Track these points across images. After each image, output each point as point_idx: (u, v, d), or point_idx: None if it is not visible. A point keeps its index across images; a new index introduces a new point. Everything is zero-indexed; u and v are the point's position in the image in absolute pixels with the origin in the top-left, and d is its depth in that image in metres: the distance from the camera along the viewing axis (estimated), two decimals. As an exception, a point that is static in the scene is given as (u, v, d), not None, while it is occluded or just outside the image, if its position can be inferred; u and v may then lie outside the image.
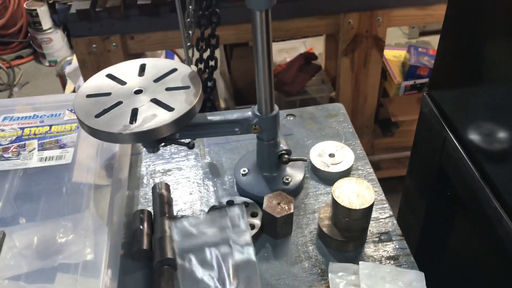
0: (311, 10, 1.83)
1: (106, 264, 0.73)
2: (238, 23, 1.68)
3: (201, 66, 1.36)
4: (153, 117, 0.73)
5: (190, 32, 1.26)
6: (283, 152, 0.87)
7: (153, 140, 0.77)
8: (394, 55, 2.39)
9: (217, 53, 1.51)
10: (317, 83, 2.26)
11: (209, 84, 1.37)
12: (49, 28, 3.08)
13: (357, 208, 0.76)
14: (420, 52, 2.25)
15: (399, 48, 2.49)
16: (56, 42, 3.12)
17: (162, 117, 0.73)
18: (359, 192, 0.78)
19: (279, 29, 1.84)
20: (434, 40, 2.45)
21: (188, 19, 1.25)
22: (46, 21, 3.05)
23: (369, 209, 0.77)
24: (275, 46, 2.45)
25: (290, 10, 1.79)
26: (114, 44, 1.70)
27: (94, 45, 1.70)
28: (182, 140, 0.82)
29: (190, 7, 1.26)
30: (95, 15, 1.65)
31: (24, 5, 3.06)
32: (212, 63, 1.37)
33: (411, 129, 2.12)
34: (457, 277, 0.96)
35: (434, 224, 0.99)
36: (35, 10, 3.00)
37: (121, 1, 1.64)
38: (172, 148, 1.01)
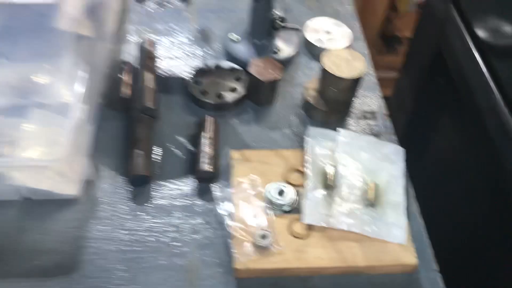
0: None
1: (82, 105, 0.71)
2: None
3: None
4: (141, -48, 0.68)
5: None
6: (277, 18, 0.83)
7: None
8: (410, -30, 2.27)
9: None
10: (325, -12, 2.15)
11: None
12: None
13: (345, 77, 0.74)
14: (437, -34, 2.13)
15: (417, -37, 2.36)
16: None
17: (151, -47, 0.68)
18: (350, 62, 0.75)
19: None
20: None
21: None
22: None
23: (358, 80, 0.75)
24: None
25: None
26: None
27: None
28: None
29: None
30: None
31: None
32: None
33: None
34: (440, 175, 0.95)
35: (421, 119, 0.98)
36: None
37: None
38: (163, 11, 0.97)
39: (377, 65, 2.38)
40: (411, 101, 0.99)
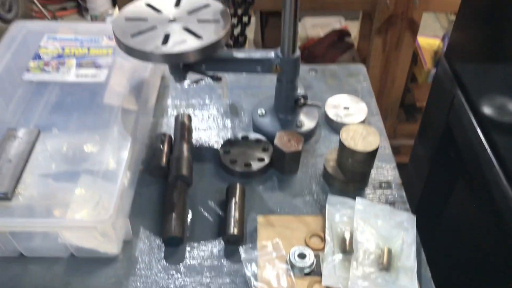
0: (349, -15, 1.85)
1: (125, 172, 0.80)
2: (275, -10, 1.72)
3: (234, 21, 1.41)
4: (183, 42, 0.80)
5: (228, -14, 1.32)
6: (299, 95, 0.92)
7: (180, 62, 0.83)
8: (428, 43, 2.40)
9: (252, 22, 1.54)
10: (348, 60, 2.28)
11: (240, 39, 1.43)
12: (95, -17, 3.17)
13: (361, 150, 0.81)
14: (454, 40, 2.24)
15: (435, 37, 2.49)
16: (100, -2, 3.22)
17: (191, 43, 0.80)
18: (365, 136, 0.83)
19: (316, 1, 1.88)
20: (470, 32, 2.42)
21: (228, -27, 1.31)
22: (93, -25, 3.14)
23: (373, 153, 0.82)
24: (311, 21, 2.48)
25: (329, -17, 1.82)
26: None
27: (136, -3, 1.76)
28: (208, 72, 0.88)
29: (231, -38, 1.31)
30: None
31: (74, -41, 3.16)
32: (245, 19, 1.42)
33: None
34: (453, 242, 1.00)
35: (435, 187, 1.03)
36: (84, -37, 3.10)
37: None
38: (198, 87, 1.08)
39: (399, 133, 2.43)
40: (425, 169, 1.05)
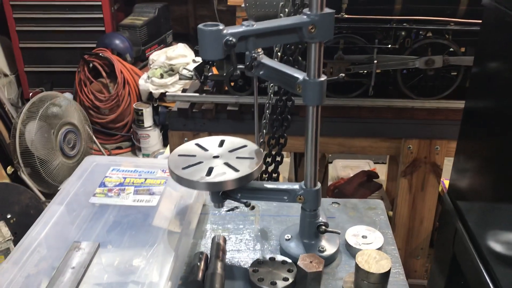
0: (375, 132, 2.05)
1: (167, 284, 0.93)
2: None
3: (269, 159, 1.62)
4: (223, 174, 0.98)
5: (264, 131, 1.55)
6: (321, 223, 1.06)
7: (220, 190, 1.00)
8: (454, 186, 2.51)
9: (287, 161, 1.75)
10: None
11: (274, 176, 1.62)
12: (149, 126, 3.58)
13: (375, 272, 0.92)
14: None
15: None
16: (152, 138, 3.60)
17: (229, 175, 0.97)
18: (378, 260, 0.94)
19: (344, 145, 2.08)
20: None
21: (264, 121, 1.55)
22: (148, 120, 3.56)
23: (386, 274, 0.92)
24: (341, 162, 2.68)
25: (356, 130, 2.04)
26: (201, 139, 2.01)
27: (186, 138, 2.03)
28: (242, 200, 1.04)
29: (268, 111, 1.56)
30: (191, 114, 2.00)
31: (133, 105, 3.62)
32: (278, 158, 1.62)
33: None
34: None
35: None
36: (141, 110, 3.54)
37: (214, 106, 1.99)
38: (234, 214, 1.23)
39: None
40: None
